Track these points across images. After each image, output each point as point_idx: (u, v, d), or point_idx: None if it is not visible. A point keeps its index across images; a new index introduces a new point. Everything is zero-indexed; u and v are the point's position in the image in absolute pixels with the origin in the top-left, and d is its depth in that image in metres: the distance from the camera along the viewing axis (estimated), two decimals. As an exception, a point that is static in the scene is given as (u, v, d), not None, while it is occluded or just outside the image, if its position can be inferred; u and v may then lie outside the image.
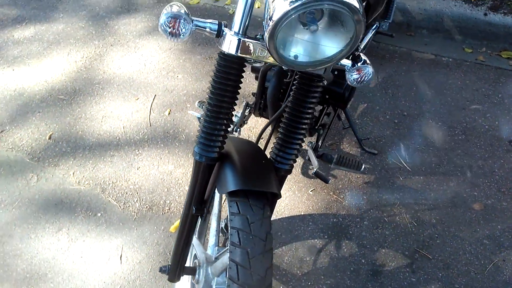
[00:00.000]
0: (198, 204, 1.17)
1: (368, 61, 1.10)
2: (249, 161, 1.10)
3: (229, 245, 1.01)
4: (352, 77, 1.09)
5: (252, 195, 1.04)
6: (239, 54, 0.97)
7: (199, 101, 1.83)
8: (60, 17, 2.94)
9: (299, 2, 0.78)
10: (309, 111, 1.09)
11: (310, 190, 1.89)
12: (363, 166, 1.70)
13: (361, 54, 1.13)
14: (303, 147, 1.60)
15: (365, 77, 1.10)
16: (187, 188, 1.73)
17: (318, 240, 1.74)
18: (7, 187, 1.96)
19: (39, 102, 2.35)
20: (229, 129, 1.10)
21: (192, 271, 1.29)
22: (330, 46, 0.90)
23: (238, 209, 1.02)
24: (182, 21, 0.94)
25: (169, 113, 2.25)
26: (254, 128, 2.18)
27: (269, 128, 1.71)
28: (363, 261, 1.69)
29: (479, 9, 2.50)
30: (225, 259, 1.16)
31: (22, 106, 2.34)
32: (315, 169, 1.63)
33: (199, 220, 1.30)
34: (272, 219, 1.81)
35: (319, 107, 2.00)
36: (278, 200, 1.86)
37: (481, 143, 2.06)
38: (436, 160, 2.00)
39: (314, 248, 1.72)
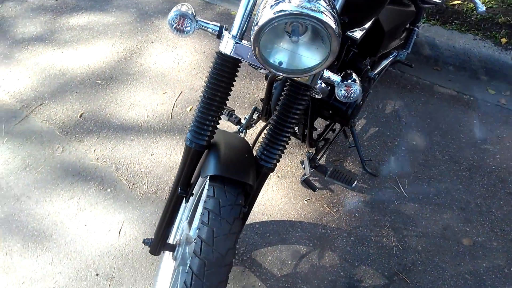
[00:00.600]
0: (183, 186, 1.30)
1: (357, 80, 1.20)
2: (233, 152, 1.21)
3: (198, 223, 1.13)
4: (341, 92, 1.20)
5: (228, 183, 1.15)
6: (233, 55, 1.11)
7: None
8: (113, 11, 3.21)
9: (282, 13, 0.91)
10: (295, 116, 1.20)
11: (305, 199, 1.98)
12: (355, 182, 1.77)
13: (352, 72, 1.24)
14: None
15: (353, 94, 1.20)
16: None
17: (303, 246, 1.82)
18: (35, 153, 2.18)
19: (78, 84, 2.58)
20: (219, 120, 1.23)
21: (171, 248, 1.41)
22: (310, 57, 1.02)
23: (214, 193, 1.14)
24: (187, 19, 1.09)
25: (190, 110, 2.41)
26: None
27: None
28: (342, 273, 1.75)
29: (507, 53, 2.51)
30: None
31: (63, 84, 2.58)
32: (305, 177, 1.72)
33: (184, 202, 1.41)
34: (263, 220, 1.92)
35: (325, 122, 2.09)
36: (272, 203, 1.96)
37: (484, 182, 2.07)
38: (435, 191, 2.03)
39: (298, 253, 1.80)
